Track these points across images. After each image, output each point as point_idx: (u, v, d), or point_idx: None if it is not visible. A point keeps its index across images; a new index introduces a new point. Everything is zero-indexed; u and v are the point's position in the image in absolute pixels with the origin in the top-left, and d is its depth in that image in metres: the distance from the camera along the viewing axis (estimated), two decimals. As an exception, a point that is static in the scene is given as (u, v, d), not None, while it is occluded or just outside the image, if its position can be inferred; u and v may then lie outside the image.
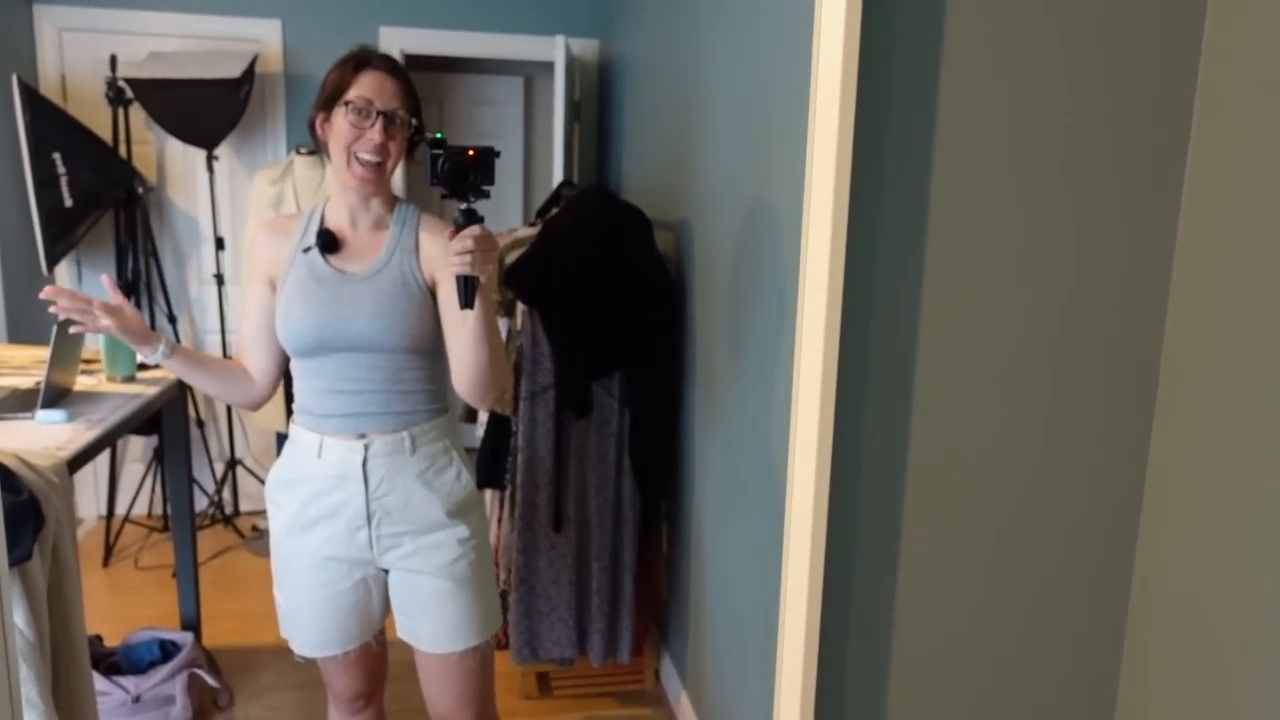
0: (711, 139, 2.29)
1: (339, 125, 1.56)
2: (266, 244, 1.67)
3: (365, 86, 1.55)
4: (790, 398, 1.70)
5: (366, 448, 1.61)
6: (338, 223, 1.66)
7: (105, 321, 1.51)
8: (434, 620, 1.67)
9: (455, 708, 1.74)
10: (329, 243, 1.62)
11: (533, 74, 4.89)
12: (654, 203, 2.94)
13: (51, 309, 1.49)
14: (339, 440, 1.61)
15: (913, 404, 1.43)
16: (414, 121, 1.60)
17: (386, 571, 1.70)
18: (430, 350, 1.64)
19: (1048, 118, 1.40)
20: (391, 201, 1.68)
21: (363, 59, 1.58)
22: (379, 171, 1.57)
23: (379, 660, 1.81)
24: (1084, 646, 1.60)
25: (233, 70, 3.49)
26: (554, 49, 3.47)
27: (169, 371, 1.95)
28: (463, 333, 1.55)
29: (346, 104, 1.55)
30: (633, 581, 2.62)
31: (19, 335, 3.53)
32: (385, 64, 1.59)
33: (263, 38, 3.83)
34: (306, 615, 1.70)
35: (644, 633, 2.76)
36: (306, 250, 1.63)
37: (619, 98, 3.70)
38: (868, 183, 1.34)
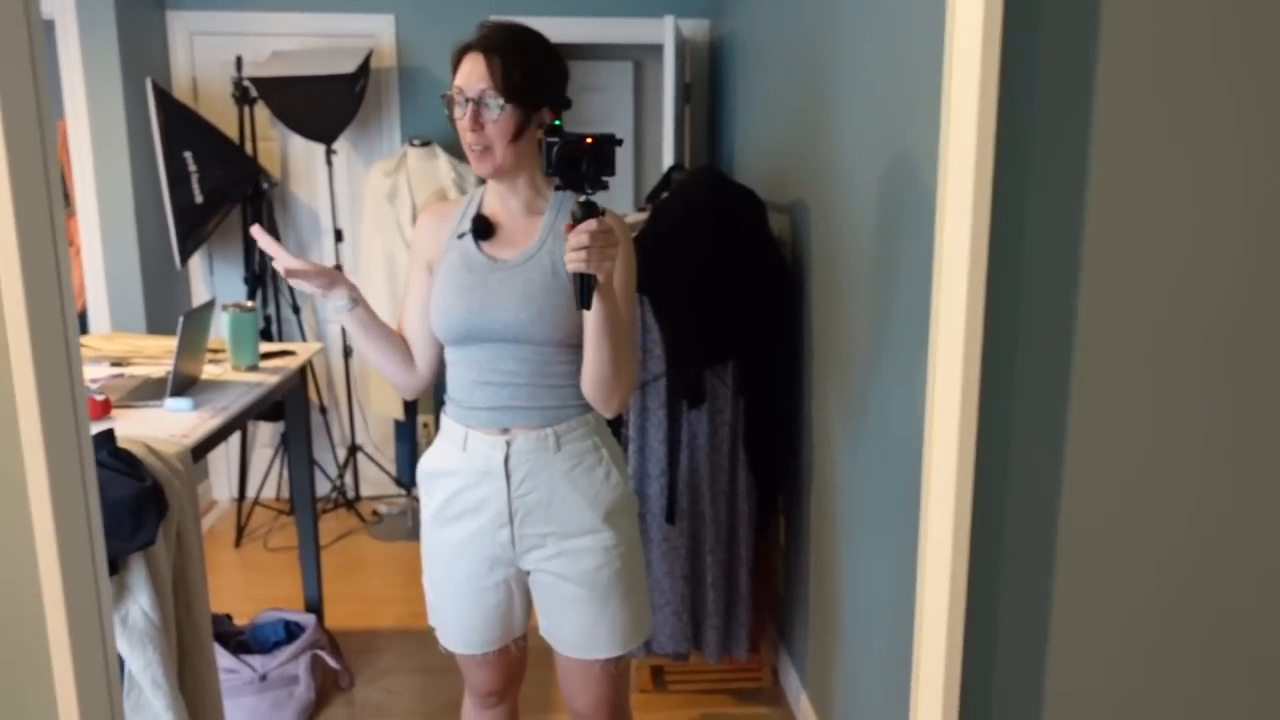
0: (836, 116, 2.17)
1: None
2: (427, 229, 1.65)
3: (460, 74, 1.51)
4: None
5: (509, 444, 1.56)
6: (494, 209, 1.61)
7: (308, 282, 1.51)
8: (574, 627, 1.63)
9: (591, 710, 1.70)
10: (482, 228, 1.58)
11: (641, 57, 4.83)
12: (768, 184, 2.84)
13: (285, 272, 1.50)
14: (483, 434, 1.57)
15: (1069, 400, 1.28)
16: (503, 104, 1.48)
17: (528, 572, 1.66)
18: (581, 344, 1.54)
19: (1229, 81, 1.23)
20: (541, 185, 1.61)
21: (464, 46, 1.53)
22: (489, 155, 1.51)
23: (518, 663, 1.78)
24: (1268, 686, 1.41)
25: (348, 66, 3.56)
26: (663, 31, 3.40)
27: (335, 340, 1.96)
28: (585, 332, 1.47)
29: (445, 97, 1.52)
30: (748, 576, 2.54)
31: (156, 326, 3.71)
32: (480, 43, 1.51)
33: (377, 32, 3.89)
34: (450, 608, 1.68)
35: (761, 629, 2.68)
36: (461, 236, 1.59)
37: (731, 78, 3.60)
38: (1013, 157, 1.19)
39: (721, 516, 2.49)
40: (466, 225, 1.60)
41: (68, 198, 3.70)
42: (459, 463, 1.60)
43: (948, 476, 1.11)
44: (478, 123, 1.48)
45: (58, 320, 1.12)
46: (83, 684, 1.18)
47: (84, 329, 3.70)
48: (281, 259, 1.50)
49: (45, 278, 1.09)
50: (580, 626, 1.62)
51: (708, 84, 4.06)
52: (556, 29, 3.91)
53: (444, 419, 1.65)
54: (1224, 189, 1.28)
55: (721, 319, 2.38)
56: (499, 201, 1.60)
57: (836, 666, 2.23)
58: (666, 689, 2.73)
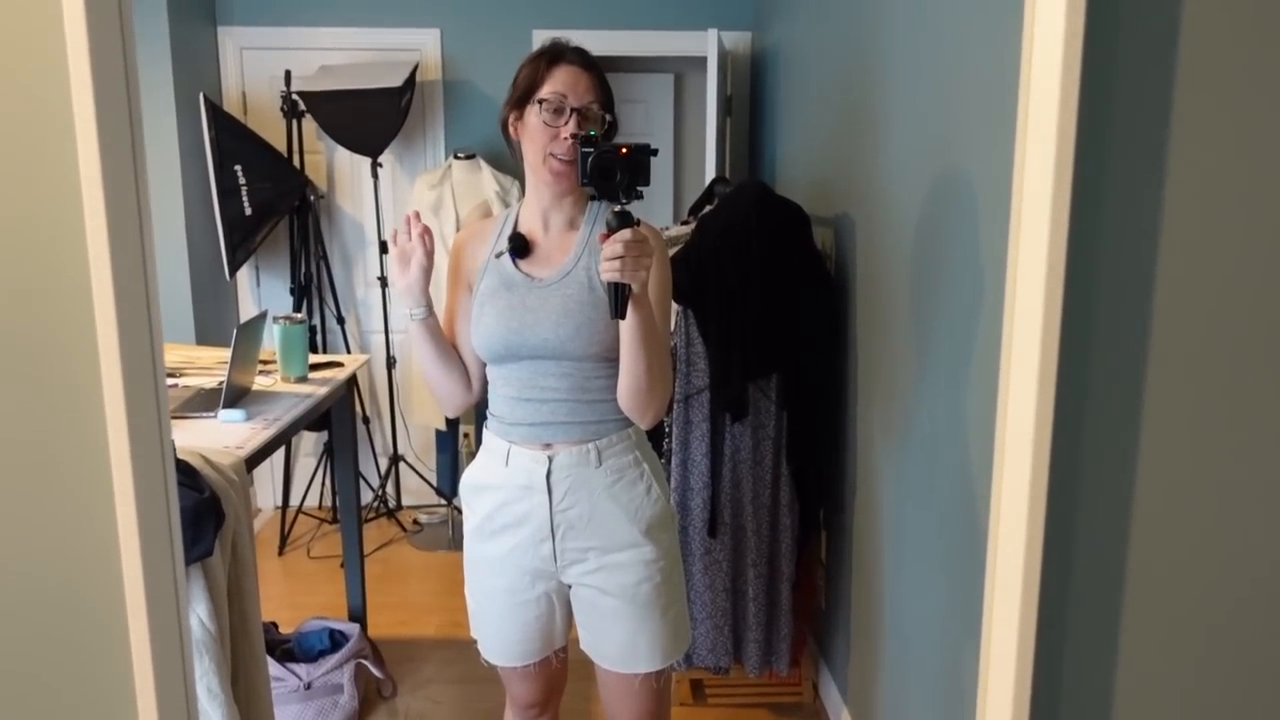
0: (883, 127, 2.16)
1: (533, 124, 1.52)
2: (465, 250, 1.66)
3: (559, 82, 1.50)
4: (988, 407, 1.56)
5: (550, 459, 1.56)
6: (530, 226, 1.62)
7: (421, 257, 1.54)
8: (615, 641, 1.63)
9: None
10: (520, 247, 1.58)
11: (682, 70, 4.84)
12: (811, 197, 2.83)
13: (404, 226, 1.54)
14: (525, 450, 1.58)
15: (1141, 424, 1.25)
16: (608, 117, 1.53)
17: (570, 586, 1.67)
18: (619, 358, 1.55)
19: None
20: (584, 200, 1.62)
21: (556, 53, 1.54)
22: (573, 168, 1.49)
23: (558, 675, 1.79)
24: None
25: (394, 80, 3.61)
26: (705, 43, 3.41)
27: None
28: (621, 343, 1.49)
29: (540, 102, 1.50)
30: (790, 590, 2.53)
31: (205, 337, 3.78)
32: (579, 57, 1.54)
33: (423, 46, 3.94)
34: (491, 621, 1.69)
35: (802, 644, 2.66)
36: (499, 255, 1.60)
37: (773, 91, 3.60)
38: (1092, 173, 1.17)
39: (764, 530, 2.48)
40: (504, 244, 1.61)
41: (122, 210, 3.79)
42: (502, 478, 1.61)
43: (1019, 498, 1.10)
44: (581, 131, 1.49)
45: (145, 333, 1.15)
46: (161, 684, 1.21)
47: (136, 338, 3.77)
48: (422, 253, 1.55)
49: (135, 295, 1.12)
50: (621, 641, 1.62)
51: (749, 96, 4.06)
52: (600, 42, 3.93)
53: (486, 434, 1.66)
54: (1290, 208, 1.25)
55: (765, 332, 2.38)
56: (538, 219, 1.61)
57: (878, 683, 2.21)
58: (706, 702, 2.72)
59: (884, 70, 2.15)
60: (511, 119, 1.58)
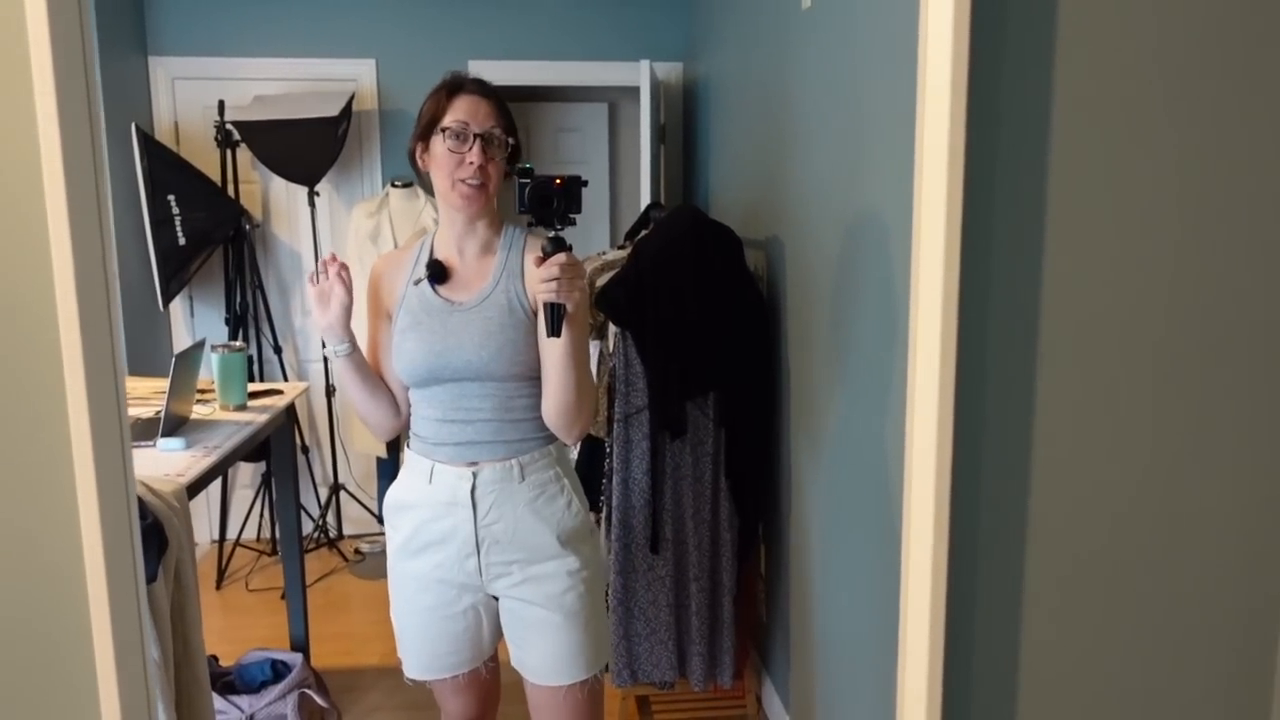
0: (803, 154, 2.27)
1: (438, 152, 1.58)
2: (383, 279, 1.70)
3: (460, 111, 1.57)
4: (902, 424, 1.65)
5: (475, 475, 1.61)
6: (446, 253, 1.67)
7: (342, 294, 1.59)
8: (541, 652, 1.67)
9: None
10: (438, 273, 1.64)
11: (616, 99, 4.94)
12: (743, 221, 2.93)
13: (322, 268, 1.58)
14: (449, 467, 1.62)
15: (1034, 422, 1.37)
16: (510, 140, 1.60)
17: (496, 599, 1.71)
18: (538, 377, 1.63)
19: (1182, 105, 1.32)
20: (498, 224, 1.68)
21: (455, 85, 1.61)
22: (482, 192, 1.58)
23: (490, 686, 1.82)
24: (1235, 682, 1.49)
25: (331, 109, 3.63)
26: (639, 74, 3.51)
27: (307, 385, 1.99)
28: (548, 361, 1.56)
29: (444, 130, 1.57)
30: (732, 604, 2.59)
31: (138, 367, 3.72)
32: (478, 87, 1.61)
33: (359, 76, 3.97)
34: (417, 637, 1.72)
35: (745, 657, 2.72)
36: (418, 282, 1.65)
37: (704, 119, 3.71)
38: (982, 191, 1.28)
39: (705, 545, 2.54)
40: (421, 272, 1.65)
41: (50, 241, 3.72)
42: (425, 495, 1.64)
43: (926, 498, 1.18)
44: (487, 156, 1.56)
45: (108, 356, 1.17)
46: (125, 695, 1.21)
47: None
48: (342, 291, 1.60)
49: (99, 318, 1.15)
50: (547, 651, 1.66)
51: (681, 125, 4.17)
52: (538, 73, 4.01)
53: (408, 454, 1.70)
54: (1191, 217, 1.39)
55: (702, 352, 2.45)
56: (453, 244, 1.66)
57: (816, 692, 2.28)
58: (653, 718, 2.76)
59: (800, 98, 2.26)
60: (418, 150, 1.63)
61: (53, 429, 1.16)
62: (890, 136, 1.69)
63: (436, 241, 1.69)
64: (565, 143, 4.93)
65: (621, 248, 2.86)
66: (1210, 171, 1.36)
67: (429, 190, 1.72)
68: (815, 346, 2.22)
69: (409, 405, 1.72)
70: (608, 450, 2.54)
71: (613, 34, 4.07)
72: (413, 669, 1.75)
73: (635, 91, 4.76)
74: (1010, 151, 1.30)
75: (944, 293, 1.13)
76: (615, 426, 2.50)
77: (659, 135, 3.92)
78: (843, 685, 2.09)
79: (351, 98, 3.78)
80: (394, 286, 1.68)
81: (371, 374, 1.69)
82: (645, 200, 3.55)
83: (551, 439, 1.67)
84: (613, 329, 2.53)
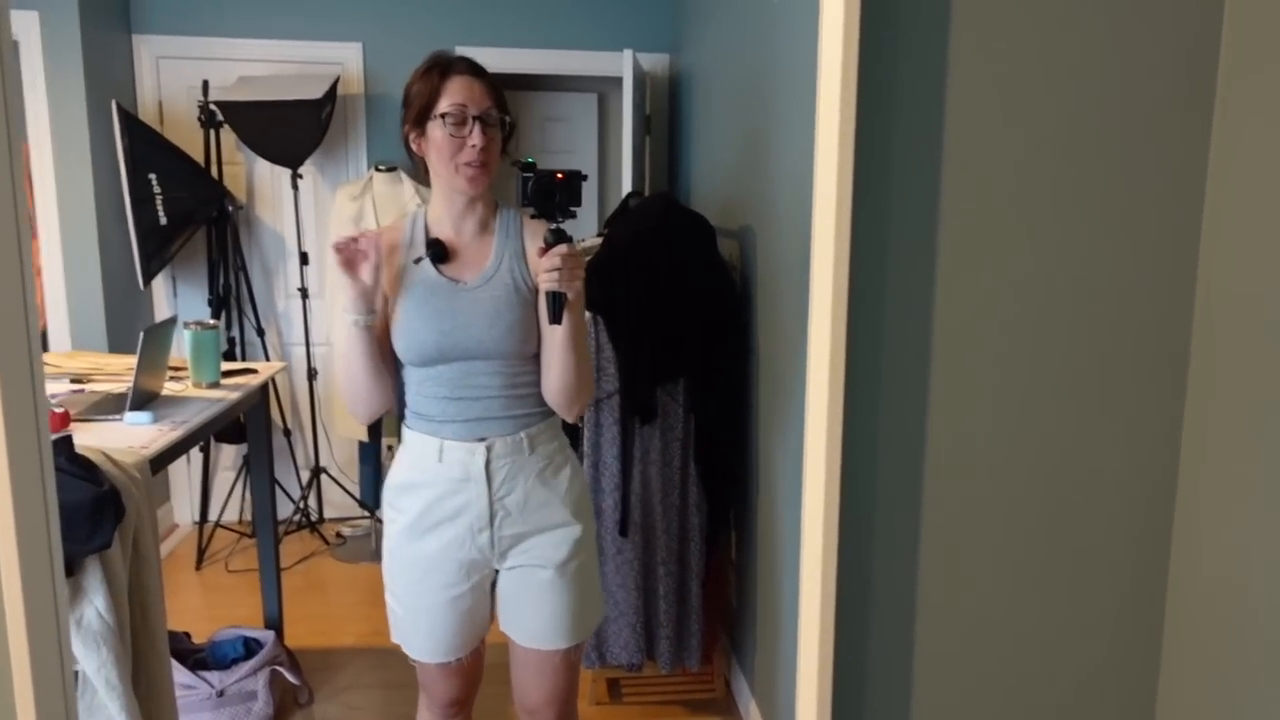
0: (773, 144, 2.28)
1: (437, 137, 1.56)
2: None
3: (455, 94, 1.56)
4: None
5: (489, 449, 1.62)
6: (443, 231, 1.66)
7: (376, 260, 1.55)
8: (538, 616, 1.69)
9: (545, 702, 1.76)
10: (440, 252, 1.63)
11: (605, 90, 4.95)
12: (720, 211, 2.94)
13: (337, 246, 1.53)
14: (460, 444, 1.62)
15: (928, 400, 1.42)
16: (507, 118, 1.61)
17: (498, 572, 1.72)
18: (538, 355, 1.65)
19: (1063, 111, 1.38)
20: (493, 205, 1.69)
21: (445, 66, 1.59)
22: (485, 172, 1.59)
23: (477, 669, 1.83)
24: (1120, 646, 1.54)
25: (314, 92, 3.63)
26: (623, 64, 3.52)
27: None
28: (550, 345, 1.59)
29: (443, 116, 1.55)
30: (700, 588, 2.61)
31: (119, 345, 3.73)
32: (469, 67, 1.60)
33: (345, 60, 3.97)
34: (422, 620, 1.70)
35: (713, 640, 2.74)
36: (418, 261, 1.63)
37: (687, 109, 3.72)
38: (873, 184, 1.35)
39: (673, 530, 2.56)
40: (420, 250, 1.64)
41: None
42: (434, 474, 1.64)
43: (818, 475, 1.21)
44: (487, 136, 1.57)
45: (21, 331, 1.17)
46: (40, 686, 1.22)
47: (45, 347, 3.71)
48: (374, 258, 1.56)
49: (11, 292, 1.15)
50: (546, 614, 1.69)
51: (667, 115, 4.18)
52: (524, 60, 4.01)
53: (409, 434, 1.68)
54: (1070, 213, 1.43)
55: (673, 339, 2.46)
56: (451, 223, 1.65)
57: (781, 677, 2.30)
58: (622, 700, 2.78)
59: (773, 90, 2.27)
60: (413, 136, 1.62)
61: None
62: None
63: (430, 220, 1.67)
64: (552, 131, 4.93)
65: (600, 235, 2.87)
66: (1095, 164, 1.42)
67: (420, 174, 1.72)
68: (783, 334, 2.23)
69: (396, 389, 1.71)
70: (580, 433, 2.56)
71: (601, 23, 4.07)
72: (418, 651, 1.74)
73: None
74: (904, 148, 1.37)
75: (834, 284, 1.19)
76: (587, 411, 2.52)
77: (644, 125, 3.92)
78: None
79: (336, 81, 3.78)
80: (390, 266, 1.65)
81: (380, 349, 1.64)
82: (627, 190, 3.56)
83: (551, 412, 1.70)
84: (586, 314, 2.54)
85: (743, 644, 2.74)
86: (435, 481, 1.65)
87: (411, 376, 1.67)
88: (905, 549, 1.48)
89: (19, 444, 1.17)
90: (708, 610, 2.66)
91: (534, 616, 1.70)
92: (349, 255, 1.54)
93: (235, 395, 2.46)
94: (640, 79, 3.68)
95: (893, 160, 1.35)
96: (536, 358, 1.65)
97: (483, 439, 1.63)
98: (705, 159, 3.34)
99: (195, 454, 4.15)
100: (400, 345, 1.62)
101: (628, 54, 3.45)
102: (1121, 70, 1.39)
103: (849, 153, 1.15)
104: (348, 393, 1.66)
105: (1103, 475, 1.50)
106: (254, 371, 2.74)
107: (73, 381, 2.55)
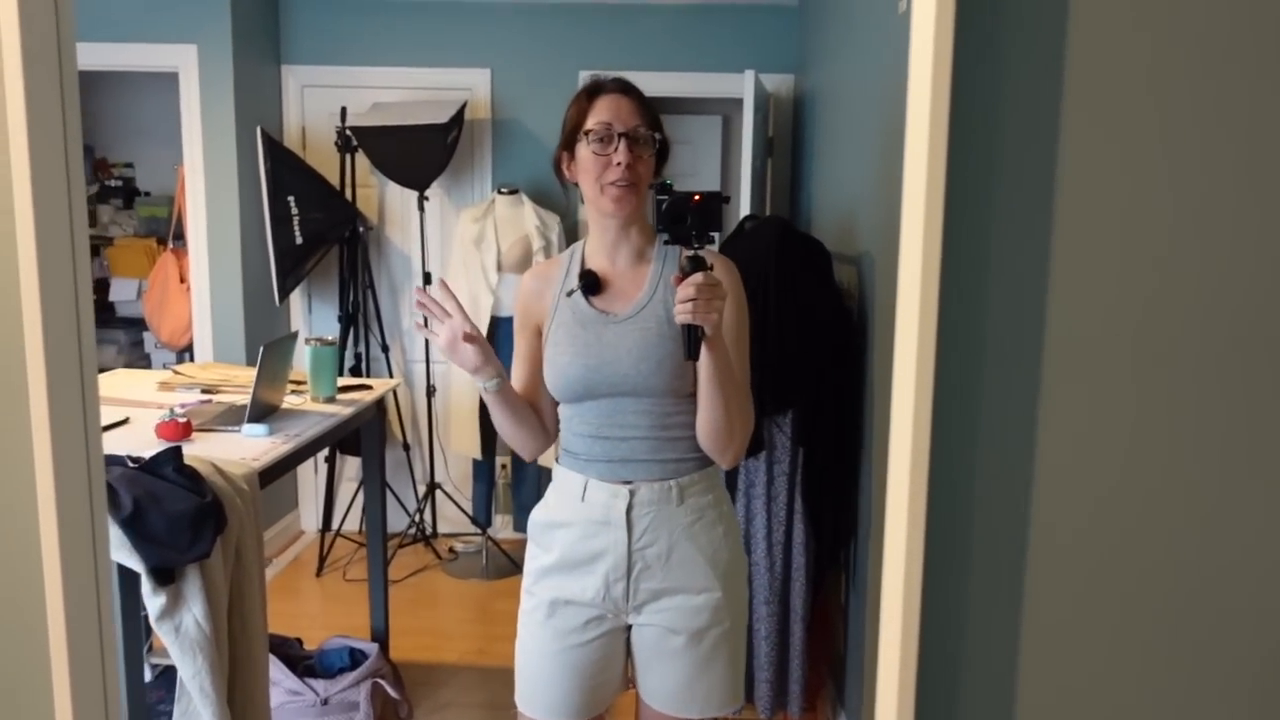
0: (894, 168, 2.17)
1: (584, 156, 1.52)
2: (531, 293, 1.62)
3: (602, 112, 1.50)
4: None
5: (632, 494, 1.53)
6: (598, 262, 1.59)
7: (460, 324, 1.48)
8: (672, 681, 1.58)
9: None
10: (592, 284, 1.55)
11: (730, 112, 4.90)
12: (839, 236, 2.83)
13: (419, 309, 1.50)
14: (604, 484, 1.54)
15: (1036, 434, 1.27)
16: (657, 136, 1.53)
17: (632, 627, 1.61)
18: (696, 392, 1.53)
19: (1187, 105, 1.20)
20: (650, 233, 1.60)
21: (595, 87, 1.55)
22: (632, 192, 1.51)
23: None
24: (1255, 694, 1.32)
25: (441, 116, 3.73)
26: (744, 85, 3.46)
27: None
28: (698, 381, 1.47)
29: (587, 134, 1.50)
30: (804, 631, 2.49)
31: (255, 358, 3.91)
32: (617, 85, 1.55)
33: (474, 85, 4.08)
34: (547, 668, 1.60)
35: (818, 687, 2.61)
36: (570, 294, 1.57)
37: (811, 131, 3.63)
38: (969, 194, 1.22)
39: (776, 568, 2.46)
40: (573, 282, 1.57)
41: (182, 236, 3.97)
42: (576, 513, 1.56)
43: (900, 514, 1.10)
44: (634, 154, 1.49)
45: (74, 350, 1.20)
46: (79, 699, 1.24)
47: (190, 358, 3.94)
48: (458, 321, 1.49)
49: (63, 315, 1.18)
50: (678, 681, 1.57)
51: (791, 137, 4.09)
52: (645, 82, 4.00)
53: (558, 470, 1.62)
54: (1210, 210, 1.25)
55: (782, 367, 2.37)
56: (605, 253, 1.58)
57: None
58: (719, 743, 2.68)
59: (895, 109, 2.16)
60: (564, 160, 1.57)
61: (14, 422, 1.19)
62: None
63: (587, 251, 1.61)
64: (678, 154, 4.88)
65: (711, 258, 2.81)
66: (1214, 172, 1.23)
67: (571, 200, 1.68)
68: (897, 366, 2.11)
69: (556, 423, 1.66)
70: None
71: (724, 45, 4.04)
72: (530, 706, 1.62)
73: (747, 104, 4.72)
74: (1009, 151, 1.23)
75: (921, 306, 1.09)
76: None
77: (766, 148, 3.85)
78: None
79: (463, 106, 3.88)
80: (544, 299, 1.60)
81: (519, 403, 1.59)
82: (744, 212, 3.50)
83: (709, 461, 1.58)
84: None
85: (849, 694, 2.60)
86: (576, 521, 1.56)
87: (564, 412, 1.61)
88: (1001, 635, 1.32)
89: (63, 444, 1.19)
90: (812, 655, 2.54)
91: (666, 681, 1.58)
92: (450, 337, 1.49)
93: (349, 411, 2.53)
94: (762, 100, 3.62)
95: (994, 184, 1.23)
96: (692, 397, 1.52)
97: (627, 482, 1.53)
98: (826, 182, 3.24)
99: (321, 464, 4.31)
100: (549, 380, 1.57)
101: (749, 75, 3.40)
102: (1254, 70, 1.22)
103: (939, 181, 1.06)
104: (503, 436, 1.63)
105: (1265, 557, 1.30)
106: (369, 387, 2.81)
107: (203, 392, 2.68)
